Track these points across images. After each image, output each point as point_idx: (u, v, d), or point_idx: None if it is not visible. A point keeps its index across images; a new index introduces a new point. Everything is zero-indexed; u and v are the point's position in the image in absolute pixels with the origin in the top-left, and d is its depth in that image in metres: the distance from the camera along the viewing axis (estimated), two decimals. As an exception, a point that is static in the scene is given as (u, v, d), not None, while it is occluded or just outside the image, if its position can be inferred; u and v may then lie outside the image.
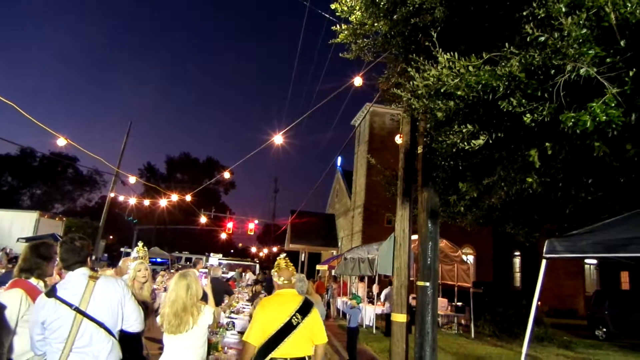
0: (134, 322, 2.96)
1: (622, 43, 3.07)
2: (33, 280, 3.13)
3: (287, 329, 3.28)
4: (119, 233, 42.41)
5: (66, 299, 2.67)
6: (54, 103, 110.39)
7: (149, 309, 4.17)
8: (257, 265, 32.65)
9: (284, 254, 3.91)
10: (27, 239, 19.44)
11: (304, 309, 3.41)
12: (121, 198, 22.61)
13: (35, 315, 2.68)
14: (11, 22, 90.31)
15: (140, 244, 4.40)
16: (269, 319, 3.34)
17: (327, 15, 7.64)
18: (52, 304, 2.65)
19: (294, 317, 3.33)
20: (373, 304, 14.40)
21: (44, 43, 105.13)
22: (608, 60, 3.12)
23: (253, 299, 10.23)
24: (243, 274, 23.38)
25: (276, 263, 3.75)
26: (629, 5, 2.94)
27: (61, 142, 11.33)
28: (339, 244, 31.30)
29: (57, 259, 3.01)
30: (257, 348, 3.28)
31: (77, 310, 2.67)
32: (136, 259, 4.22)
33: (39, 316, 2.64)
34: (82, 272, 2.83)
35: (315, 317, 3.47)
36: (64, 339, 2.62)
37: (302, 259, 32.61)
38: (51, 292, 2.69)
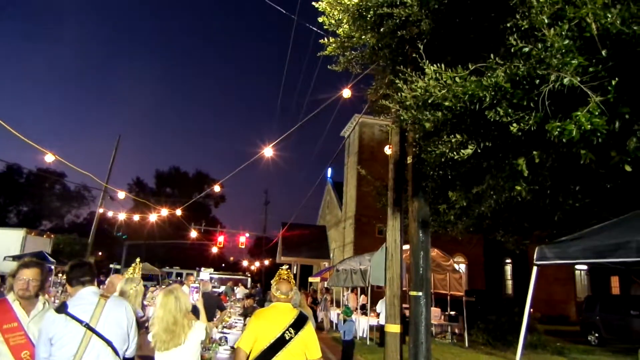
0: (134, 349, 3.02)
1: (603, 53, 3.14)
2: (10, 298, 3.06)
3: (279, 343, 3.25)
4: (108, 249, 41.81)
5: (77, 315, 2.68)
6: (41, 117, 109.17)
7: (139, 325, 4.12)
8: (249, 279, 32.38)
9: (287, 266, 3.90)
10: (15, 257, 19.07)
11: (298, 323, 3.37)
12: (110, 214, 22.36)
13: (43, 332, 2.67)
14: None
15: (137, 260, 4.36)
16: (262, 330, 3.31)
17: (315, 29, 7.72)
18: (62, 320, 2.66)
19: (287, 331, 3.29)
20: (366, 315, 14.33)
21: (29, 55, 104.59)
22: (591, 69, 3.19)
23: (245, 313, 10.11)
24: (235, 287, 23.16)
25: (277, 273, 3.73)
26: (610, 16, 3.02)
27: (49, 158, 11.22)
28: (331, 255, 31.19)
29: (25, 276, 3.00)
30: (248, 357, 3.26)
31: (87, 326, 2.68)
32: (129, 275, 4.18)
33: (48, 332, 2.64)
34: (92, 290, 2.87)
35: (310, 331, 3.43)
36: (71, 355, 2.61)
37: (294, 272, 32.41)
38: (62, 308, 2.71)
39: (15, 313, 2.96)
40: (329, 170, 33.62)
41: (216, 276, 31.58)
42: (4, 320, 2.91)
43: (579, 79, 3.17)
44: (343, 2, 5.46)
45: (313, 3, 5.85)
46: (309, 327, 3.44)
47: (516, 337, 6.79)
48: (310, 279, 25.96)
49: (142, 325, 4.39)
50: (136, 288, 4.20)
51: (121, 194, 18.63)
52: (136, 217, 21.36)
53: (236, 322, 9.22)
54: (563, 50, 3.18)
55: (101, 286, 6.45)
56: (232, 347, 6.03)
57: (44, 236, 24.59)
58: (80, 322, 2.67)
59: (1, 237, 21.81)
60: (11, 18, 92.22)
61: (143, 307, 4.90)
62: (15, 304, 3.01)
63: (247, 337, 3.33)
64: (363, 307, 15.61)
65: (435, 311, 14.55)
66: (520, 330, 5.14)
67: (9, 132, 8.72)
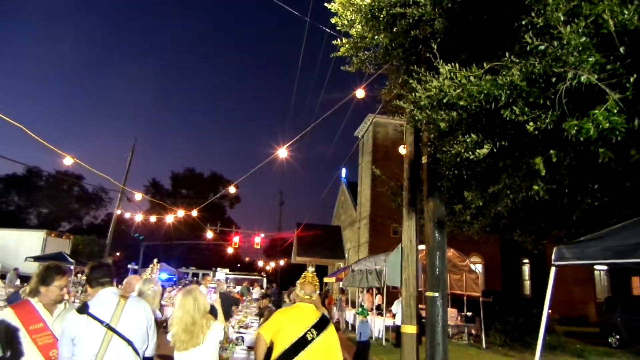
0: (153, 348, 3.08)
1: (621, 49, 3.10)
2: (33, 301, 3.14)
3: (301, 343, 3.27)
4: (125, 250, 42.33)
5: (98, 315, 2.75)
6: (57, 119, 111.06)
7: (158, 325, 4.20)
8: (264, 279, 32.51)
9: (312, 268, 3.95)
10: (35, 258, 19.49)
11: (321, 325, 3.39)
12: (127, 215, 22.66)
13: (66, 332, 2.73)
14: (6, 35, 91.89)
15: (155, 261, 4.44)
16: (285, 325, 3.35)
17: (328, 30, 7.74)
18: (83, 320, 2.73)
19: (309, 332, 3.31)
20: (382, 315, 14.28)
21: (44, 58, 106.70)
22: (608, 66, 3.15)
23: (261, 313, 10.18)
24: (250, 288, 23.27)
25: (303, 275, 3.78)
26: (627, 12, 2.97)
27: (68, 161, 11.40)
28: (346, 255, 31.17)
29: (59, 282, 3.09)
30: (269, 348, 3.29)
31: (108, 326, 2.74)
32: (147, 282, 4.25)
33: (70, 332, 2.71)
34: (112, 291, 2.93)
35: (332, 334, 3.44)
36: (93, 354, 2.68)
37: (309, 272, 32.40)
38: (83, 309, 2.77)
39: (39, 314, 3.04)
40: (343, 171, 33.54)
41: (232, 276, 31.76)
42: (30, 321, 2.99)
43: (596, 76, 3.12)
44: (356, 2, 5.46)
45: (325, 4, 5.87)
46: (332, 330, 3.46)
47: (534, 338, 6.71)
48: (325, 279, 25.96)
49: (160, 326, 4.47)
50: (154, 289, 4.28)
51: (138, 196, 18.88)
52: (153, 219, 21.59)
53: (252, 322, 9.28)
54: (580, 48, 3.14)
55: (119, 286, 6.56)
56: (249, 347, 6.08)
57: (63, 237, 25.10)
58: (101, 322, 2.73)
59: (23, 238, 22.38)
60: (26, 18, 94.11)
61: (161, 307, 4.98)
62: (38, 305, 3.09)
63: (270, 326, 3.39)
64: (378, 307, 15.57)
65: (451, 312, 14.42)
66: (538, 331, 5.08)
67: (29, 136, 8.90)
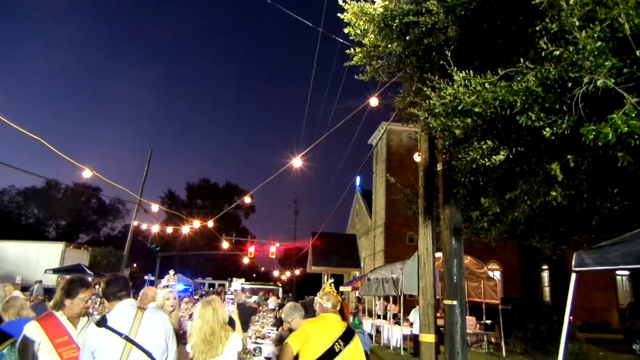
0: (173, 358, 3.10)
1: (638, 53, 3.07)
2: (57, 314, 3.19)
3: (329, 355, 3.27)
4: (142, 261, 42.67)
5: (116, 328, 2.78)
6: (73, 131, 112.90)
7: (177, 338, 4.23)
8: (280, 289, 32.46)
9: (332, 280, 3.98)
10: (54, 270, 19.79)
11: (347, 336, 3.41)
12: (144, 226, 22.87)
13: (86, 345, 2.78)
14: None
15: (171, 272, 4.48)
16: (314, 335, 3.35)
17: (341, 40, 7.79)
18: (102, 333, 2.76)
19: (337, 343, 3.32)
20: (399, 324, 14.15)
21: (59, 69, 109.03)
22: (625, 70, 3.12)
23: (278, 323, 10.15)
24: (266, 297, 23.19)
25: (323, 287, 3.80)
26: (643, 15, 2.95)
27: (87, 173, 11.63)
28: (362, 264, 31.02)
29: (84, 295, 3.16)
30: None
31: (127, 338, 2.77)
32: (166, 288, 4.29)
33: (90, 345, 2.74)
34: (130, 303, 2.97)
35: (358, 345, 3.46)
36: None
37: (324, 281, 32.33)
38: (102, 322, 2.81)
39: (64, 327, 3.10)
40: (358, 179, 33.49)
41: (247, 286, 31.69)
42: (56, 334, 3.05)
43: (613, 80, 3.10)
44: (368, 12, 5.50)
45: (338, 14, 5.92)
46: (357, 341, 3.48)
47: (556, 346, 6.57)
48: (342, 289, 25.84)
49: (180, 338, 4.51)
50: (173, 302, 4.32)
51: (155, 207, 19.06)
52: (169, 229, 21.77)
53: (270, 333, 9.25)
54: (596, 52, 3.12)
55: (136, 298, 6.60)
56: (267, 358, 6.08)
57: (82, 249, 25.50)
58: (120, 334, 2.76)
59: (42, 250, 22.75)
60: (41, 26, 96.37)
61: (178, 319, 5.01)
62: (62, 318, 3.15)
63: (299, 336, 3.38)
64: (395, 316, 15.43)
65: (470, 320, 14.24)
66: (559, 338, 4.99)
67: (47, 148, 9.09)
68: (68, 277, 3.42)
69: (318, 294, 3.81)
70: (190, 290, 27.41)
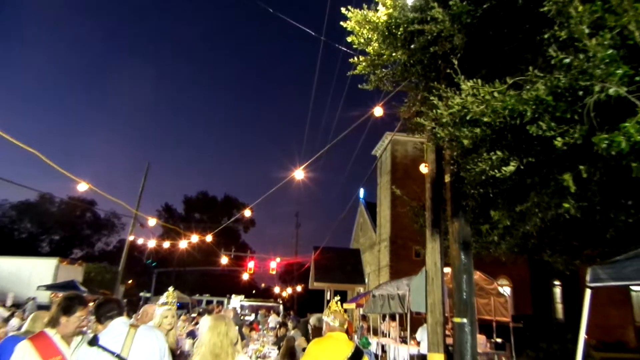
0: None
1: (650, 60, 2.99)
2: (49, 331, 3.11)
3: None
4: (137, 277, 41.56)
5: (108, 347, 2.73)
6: (68, 144, 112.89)
7: (175, 358, 4.10)
8: (281, 306, 31.92)
9: (337, 298, 3.88)
10: (48, 287, 19.36)
11: (356, 357, 3.33)
12: (140, 241, 22.40)
13: None
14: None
15: (170, 289, 4.37)
16: (322, 357, 3.27)
17: (344, 48, 7.77)
18: (94, 352, 2.72)
19: None
20: (406, 343, 13.85)
21: (53, 80, 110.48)
22: (637, 78, 3.05)
23: (279, 342, 9.92)
24: (268, 315, 22.62)
25: (329, 305, 3.74)
26: (654, 21, 2.88)
27: (82, 187, 11.19)
28: (366, 280, 30.48)
29: (81, 313, 3.10)
30: None
31: (119, 357, 2.71)
32: (164, 305, 4.18)
33: None
34: (122, 321, 2.92)
35: None
36: None
37: (328, 298, 31.78)
38: (93, 341, 2.77)
39: (57, 346, 3.02)
40: (362, 191, 33.10)
41: (247, 304, 31.10)
42: (49, 354, 2.97)
43: (625, 89, 3.02)
44: (372, 20, 5.47)
45: (342, 23, 5.90)
46: None
47: (570, 365, 6.35)
48: (345, 306, 25.38)
49: (177, 358, 4.39)
50: (171, 320, 4.20)
51: (151, 221, 18.47)
52: (166, 244, 21.30)
53: (270, 352, 9.04)
54: (607, 60, 3.04)
55: (134, 315, 6.47)
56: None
57: (76, 265, 24.91)
58: (112, 353, 2.72)
59: (35, 266, 22.15)
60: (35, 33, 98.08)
61: (176, 338, 4.87)
62: (56, 337, 3.07)
63: (307, 359, 3.32)
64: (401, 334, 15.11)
65: (480, 338, 13.89)
66: (574, 358, 4.81)
67: (41, 161, 8.88)
68: (61, 294, 3.35)
69: (324, 312, 3.73)
70: (186, 308, 26.46)
